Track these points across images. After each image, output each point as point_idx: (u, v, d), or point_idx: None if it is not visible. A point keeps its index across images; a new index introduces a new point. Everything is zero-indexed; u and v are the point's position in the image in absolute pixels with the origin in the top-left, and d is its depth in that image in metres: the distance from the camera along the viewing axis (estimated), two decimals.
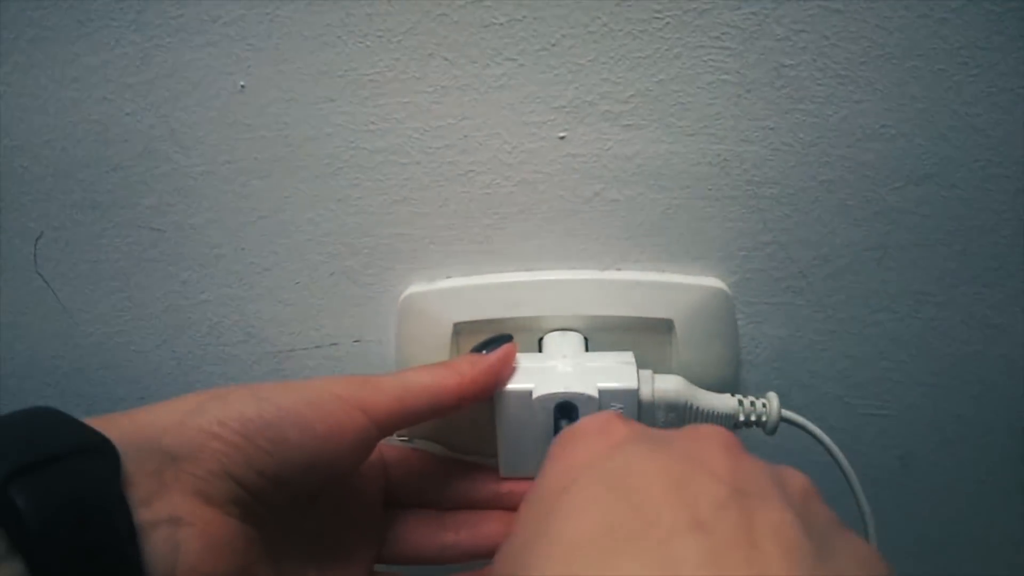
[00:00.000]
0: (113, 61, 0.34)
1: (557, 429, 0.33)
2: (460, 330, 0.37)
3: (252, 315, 0.39)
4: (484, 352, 0.32)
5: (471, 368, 0.31)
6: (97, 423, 0.24)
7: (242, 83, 0.34)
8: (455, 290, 0.37)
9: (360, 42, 0.33)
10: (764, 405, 0.35)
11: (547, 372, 0.33)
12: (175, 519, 0.24)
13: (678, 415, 0.34)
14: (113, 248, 0.38)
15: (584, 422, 0.27)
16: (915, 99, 0.32)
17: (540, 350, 0.37)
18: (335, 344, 0.39)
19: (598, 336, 0.37)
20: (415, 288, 0.37)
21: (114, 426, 0.24)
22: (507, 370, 0.32)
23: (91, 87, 0.34)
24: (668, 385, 0.34)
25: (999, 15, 0.30)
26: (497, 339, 0.33)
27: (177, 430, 0.25)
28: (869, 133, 0.33)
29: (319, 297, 0.38)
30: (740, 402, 0.35)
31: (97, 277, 0.39)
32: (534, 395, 0.32)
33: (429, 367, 0.31)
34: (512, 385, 0.33)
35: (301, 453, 0.27)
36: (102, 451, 0.22)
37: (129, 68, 0.34)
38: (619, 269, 0.36)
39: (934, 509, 0.41)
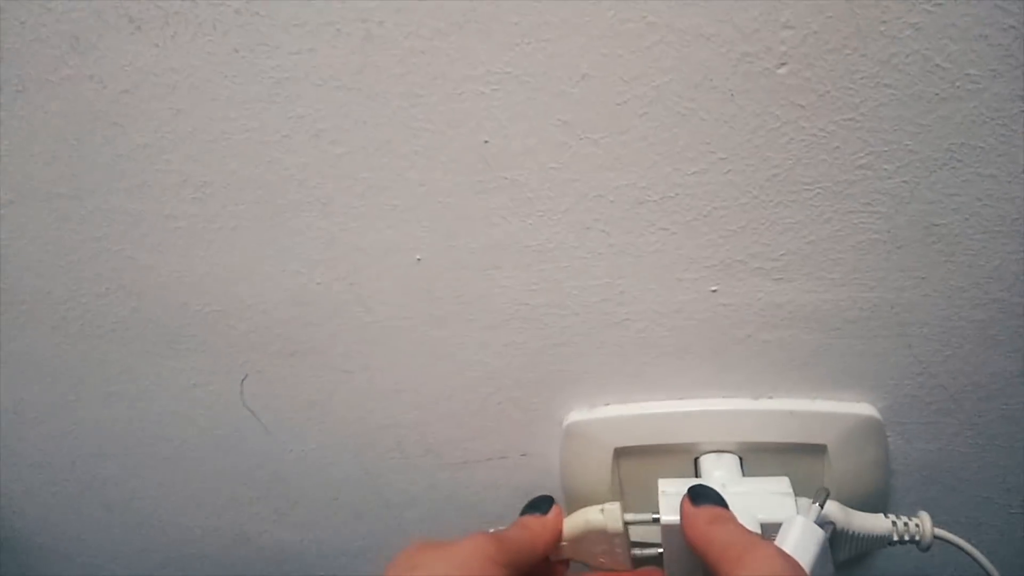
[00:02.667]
0: (304, 243, 0.38)
1: None
2: (620, 454, 0.40)
3: (431, 435, 0.44)
4: (539, 514, 0.37)
5: (545, 530, 0.37)
6: None
7: (418, 257, 0.37)
8: (615, 418, 0.40)
9: (523, 221, 0.36)
10: (917, 525, 0.37)
11: None
12: None
13: (835, 540, 0.36)
14: (308, 386, 0.43)
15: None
16: None
17: (696, 471, 0.40)
18: (504, 457, 0.44)
19: (752, 457, 0.39)
20: (577, 415, 0.41)
21: None
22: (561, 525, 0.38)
23: (284, 263, 0.39)
24: (825, 512, 0.36)
25: None
26: (542, 502, 0.38)
27: None
28: (1023, 278, 0.33)
29: (489, 420, 0.42)
30: (893, 523, 0.37)
31: (296, 407, 0.44)
32: None
33: (522, 528, 0.36)
34: (678, 517, 0.36)
35: None
36: None
37: (317, 247, 0.38)
38: (771, 398, 0.39)
39: None
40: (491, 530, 0.36)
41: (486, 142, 0.34)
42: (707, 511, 0.34)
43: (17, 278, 0.42)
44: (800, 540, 0.34)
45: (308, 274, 0.39)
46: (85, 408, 0.47)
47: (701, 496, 0.35)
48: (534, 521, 0.37)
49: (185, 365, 0.44)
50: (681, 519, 0.34)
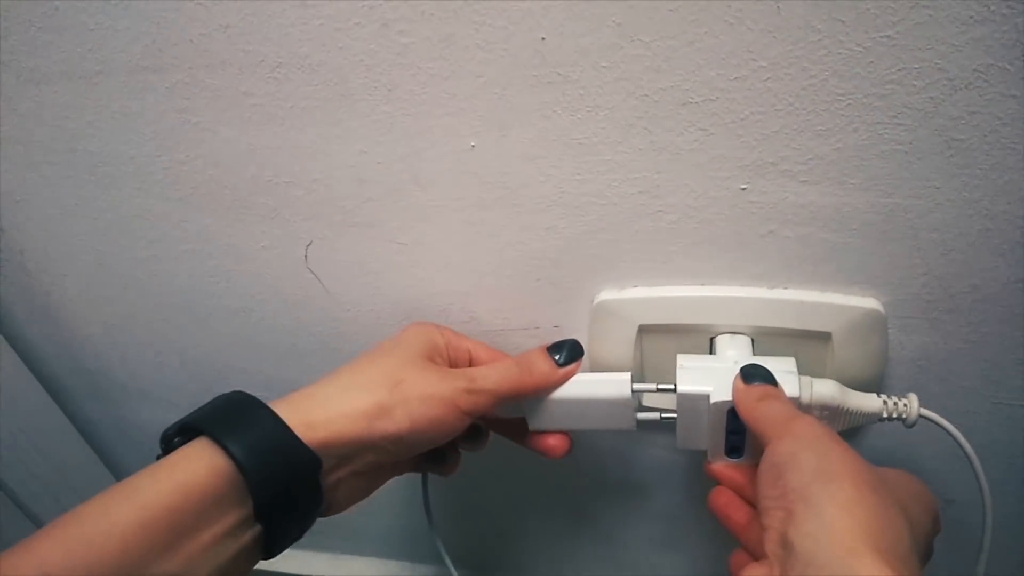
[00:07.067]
0: (368, 125, 0.41)
1: (729, 425, 0.41)
2: (644, 330, 0.45)
3: (474, 305, 0.48)
4: (559, 358, 0.42)
5: (549, 377, 0.42)
6: (304, 426, 0.36)
7: (472, 143, 0.41)
8: (641, 299, 0.44)
9: (572, 115, 0.38)
10: (905, 405, 0.42)
11: (722, 377, 0.41)
12: (337, 483, 0.38)
13: (831, 414, 0.41)
14: (366, 255, 0.47)
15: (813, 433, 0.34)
16: None
17: (712, 349, 0.44)
18: (538, 328, 0.49)
19: (763, 340, 0.44)
20: (607, 295, 0.45)
21: (318, 434, 0.36)
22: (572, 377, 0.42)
23: (349, 143, 0.42)
24: (824, 390, 0.41)
25: None
26: (572, 349, 0.42)
27: (354, 442, 0.37)
28: None
29: (527, 295, 0.47)
30: (884, 402, 0.42)
31: (354, 274, 0.49)
32: (711, 400, 0.41)
33: (517, 367, 0.41)
34: (694, 387, 0.41)
35: (425, 446, 0.40)
36: (316, 468, 0.36)
37: (380, 130, 0.41)
38: (785, 288, 0.42)
39: None
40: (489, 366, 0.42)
41: (543, 39, 0.36)
42: (757, 389, 0.38)
43: (104, 141, 0.46)
44: None
45: (370, 153, 0.42)
46: (161, 263, 0.52)
47: (752, 375, 0.39)
48: (543, 364, 0.41)
49: (255, 230, 0.48)
50: (733, 394, 0.39)
